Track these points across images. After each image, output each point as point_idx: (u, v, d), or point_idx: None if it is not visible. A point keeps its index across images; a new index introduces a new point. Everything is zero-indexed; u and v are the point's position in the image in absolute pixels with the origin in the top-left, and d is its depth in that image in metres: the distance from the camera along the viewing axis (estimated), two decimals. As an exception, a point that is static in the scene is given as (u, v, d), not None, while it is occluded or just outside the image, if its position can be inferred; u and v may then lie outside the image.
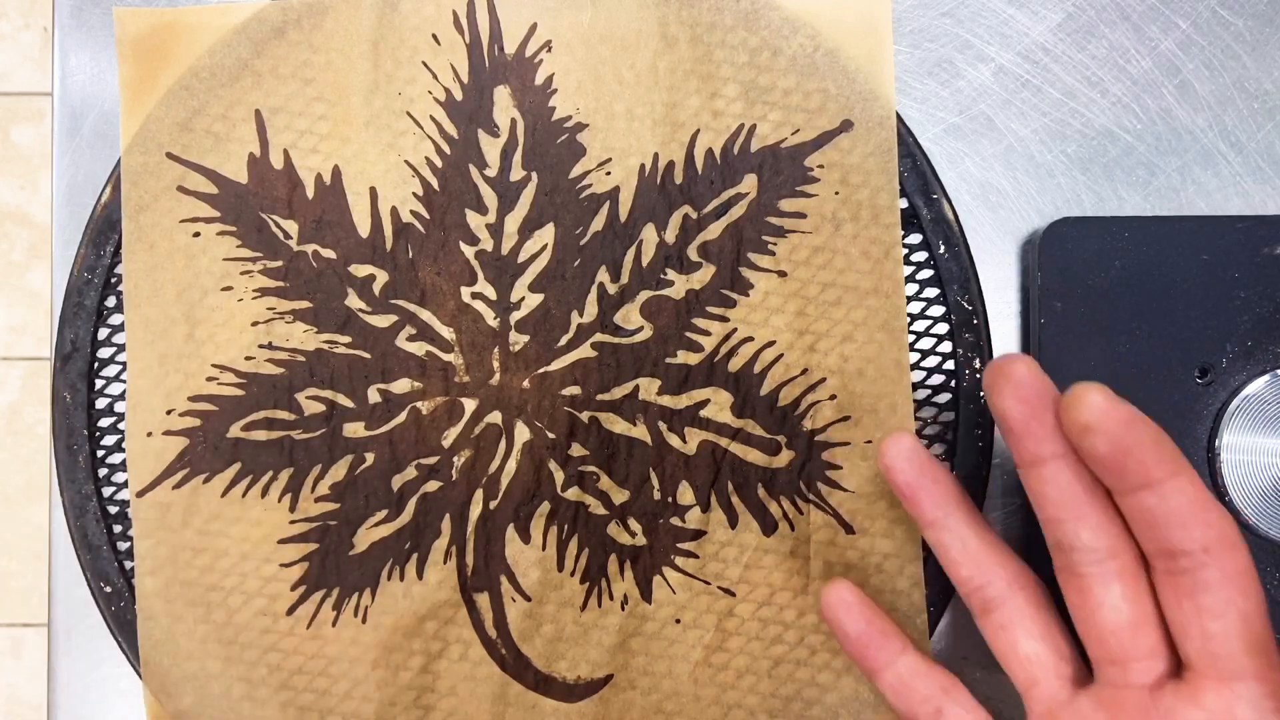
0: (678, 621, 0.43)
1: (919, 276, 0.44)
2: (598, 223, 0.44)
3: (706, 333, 0.43)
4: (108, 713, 0.46)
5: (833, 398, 0.43)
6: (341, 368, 0.44)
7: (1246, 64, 0.45)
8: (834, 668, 0.43)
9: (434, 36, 0.44)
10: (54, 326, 0.44)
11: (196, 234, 0.44)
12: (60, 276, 0.45)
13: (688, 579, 0.43)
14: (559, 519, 0.44)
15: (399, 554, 0.44)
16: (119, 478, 0.44)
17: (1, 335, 1.13)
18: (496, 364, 0.44)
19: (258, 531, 0.44)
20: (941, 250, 0.44)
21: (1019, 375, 0.33)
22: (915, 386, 0.44)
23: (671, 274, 0.44)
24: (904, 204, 0.44)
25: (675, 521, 0.43)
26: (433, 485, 0.44)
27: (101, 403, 0.45)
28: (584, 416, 0.44)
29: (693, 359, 0.43)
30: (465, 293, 0.44)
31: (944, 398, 0.44)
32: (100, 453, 0.44)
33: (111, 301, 0.44)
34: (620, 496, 0.44)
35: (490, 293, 0.44)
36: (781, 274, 0.43)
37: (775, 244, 0.43)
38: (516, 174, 0.44)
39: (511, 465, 0.44)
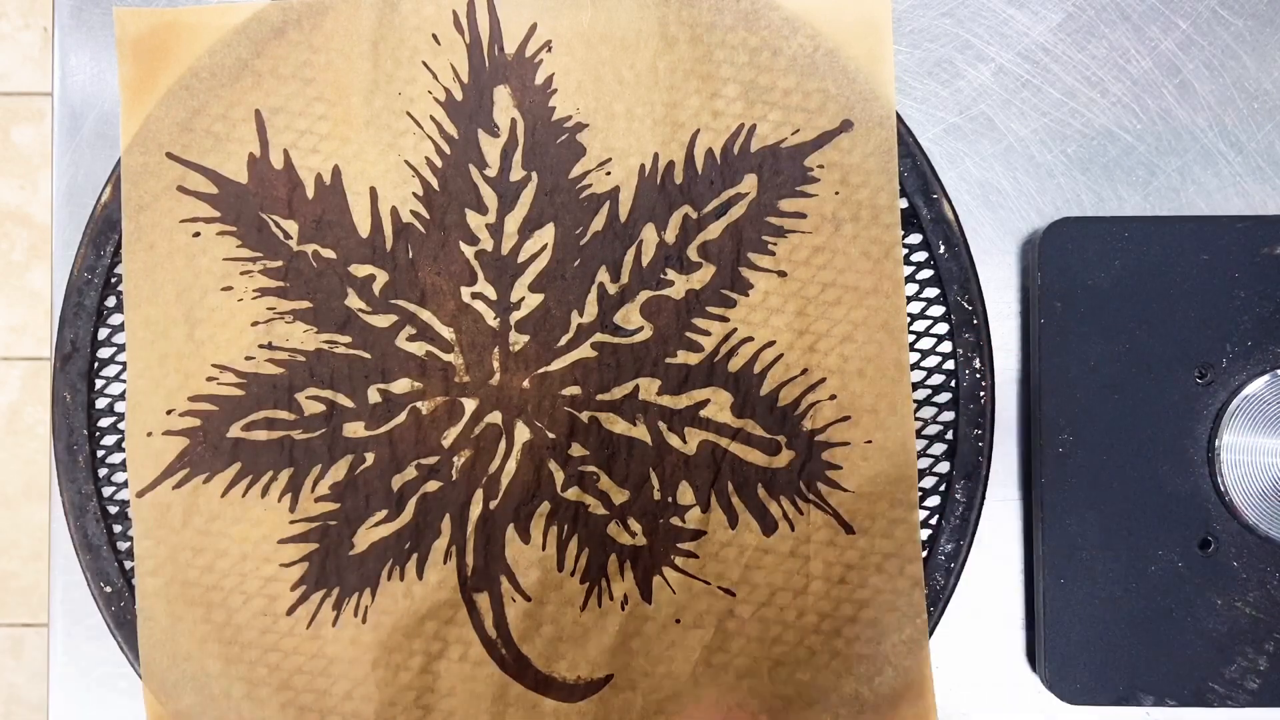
0: (678, 622, 0.43)
1: (919, 276, 0.44)
2: (598, 223, 0.44)
3: (706, 333, 0.43)
4: (108, 713, 0.46)
5: (833, 398, 0.43)
6: (341, 368, 0.44)
7: (1246, 64, 0.45)
8: (834, 668, 0.43)
9: (434, 36, 0.44)
10: (54, 326, 0.44)
11: (196, 234, 0.44)
12: (60, 276, 0.45)
13: (688, 579, 0.43)
14: (559, 519, 0.44)
15: (399, 554, 0.44)
16: (119, 478, 0.44)
17: (1, 335, 1.13)
18: (496, 364, 0.44)
19: (258, 531, 0.44)
20: (941, 250, 0.44)
21: None
22: (915, 386, 0.44)
23: (671, 274, 0.44)
24: (904, 204, 0.44)
25: (675, 521, 0.43)
26: (433, 485, 0.44)
27: (101, 403, 0.45)
28: (584, 416, 0.44)
29: (693, 359, 0.43)
30: (465, 293, 0.44)
31: (944, 398, 0.44)
32: (100, 453, 0.44)
33: (111, 301, 0.44)
34: (620, 496, 0.44)
35: (490, 293, 0.44)
36: (781, 274, 0.43)
37: (775, 244, 0.43)
38: (516, 174, 0.44)
39: (511, 465, 0.44)
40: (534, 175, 0.44)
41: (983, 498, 0.43)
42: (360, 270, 0.44)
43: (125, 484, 0.44)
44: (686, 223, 0.44)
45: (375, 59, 0.44)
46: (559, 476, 0.44)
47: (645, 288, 0.44)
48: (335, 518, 0.44)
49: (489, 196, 0.44)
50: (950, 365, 0.44)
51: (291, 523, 0.44)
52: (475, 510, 0.44)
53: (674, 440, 0.43)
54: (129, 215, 0.44)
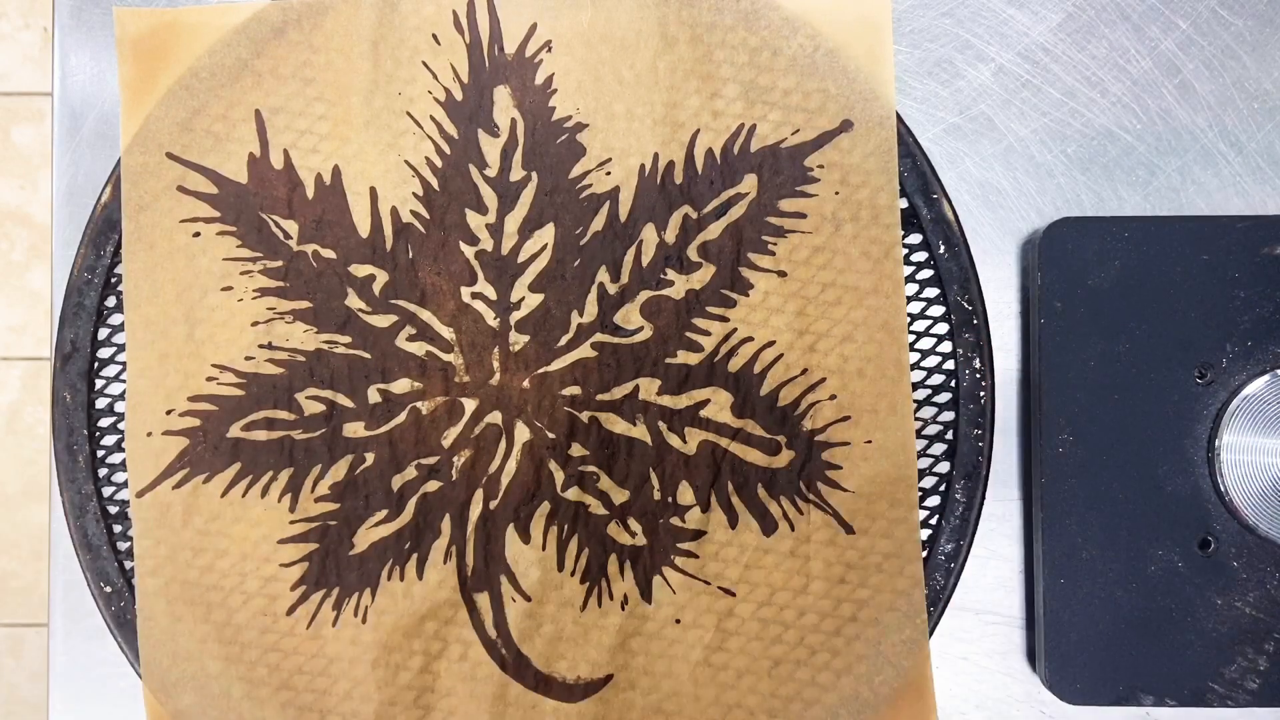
0: (678, 621, 0.43)
1: (919, 276, 0.44)
2: (598, 223, 0.44)
3: (706, 333, 0.43)
4: (108, 713, 0.46)
5: (833, 398, 0.43)
6: (341, 368, 0.44)
7: (1246, 64, 0.45)
8: (834, 668, 0.43)
9: (434, 36, 0.44)
10: (54, 326, 0.44)
11: (196, 234, 0.44)
12: (60, 276, 0.45)
13: (688, 579, 0.43)
14: (559, 519, 0.44)
15: (399, 554, 0.44)
16: (119, 478, 0.44)
17: (1, 335, 1.13)
18: (496, 364, 0.44)
19: (258, 531, 0.44)
20: (941, 250, 0.44)
21: None
22: (915, 386, 0.44)
23: (671, 274, 0.44)
24: (904, 204, 0.44)
25: (675, 521, 0.43)
26: (433, 485, 0.44)
27: (101, 403, 0.45)
28: (584, 416, 0.44)
29: (693, 359, 0.43)
30: (465, 293, 0.44)
31: (944, 398, 0.44)
32: (100, 453, 0.44)
33: (111, 301, 0.44)
34: (620, 496, 0.44)
35: (490, 293, 0.44)
36: (781, 274, 0.43)
37: (775, 244, 0.43)
38: (516, 174, 0.44)
39: (511, 465, 0.44)
40: (534, 175, 0.44)
41: (983, 498, 0.44)
42: (360, 270, 0.44)
43: (125, 484, 0.44)
44: (686, 223, 0.44)
45: (375, 59, 0.44)
46: (559, 476, 0.44)
47: (645, 288, 0.44)
48: (335, 518, 0.44)
49: (489, 196, 0.44)
50: (950, 365, 0.44)
51: (291, 523, 0.44)
52: (475, 510, 0.44)
53: (674, 440, 0.43)
54: (129, 215, 0.44)
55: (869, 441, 0.43)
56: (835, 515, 0.43)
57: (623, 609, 0.43)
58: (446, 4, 0.44)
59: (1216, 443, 0.42)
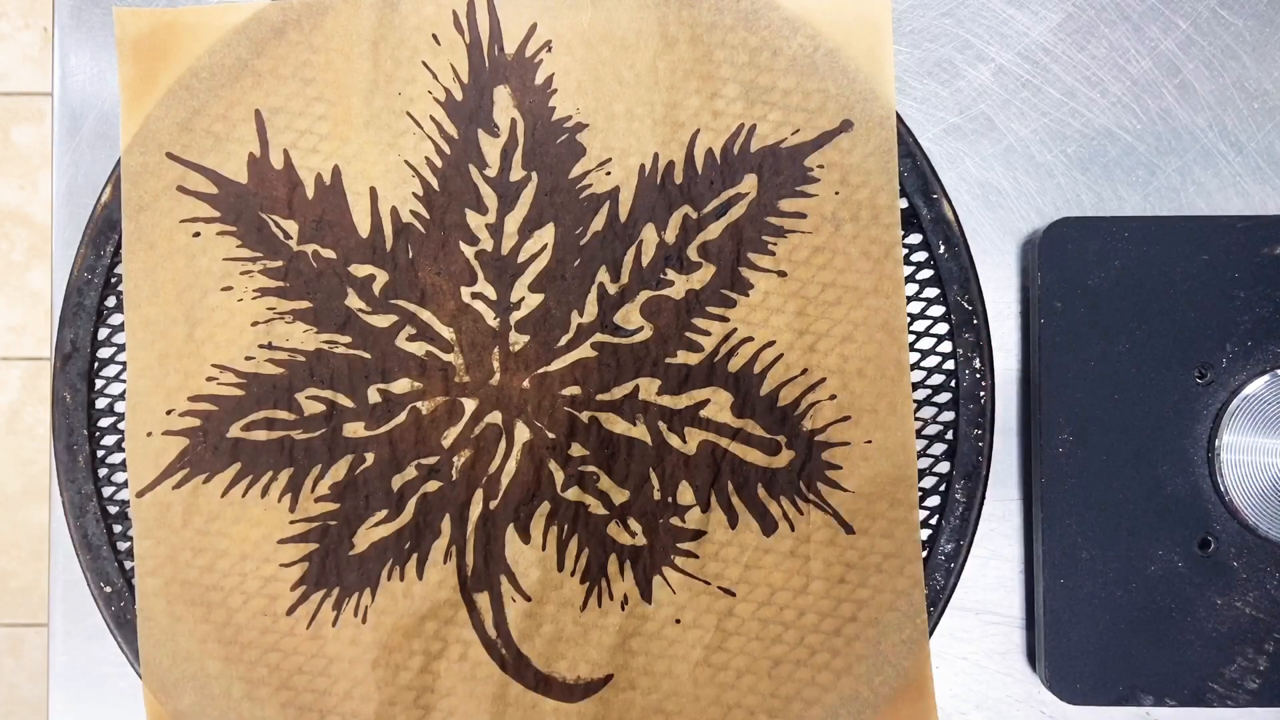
0: (678, 621, 0.43)
1: (919, 276, 0.44)
2: (598, 223, 0.44)
3: (706, 333, 0.43)
4: (108, 713, 0.46)
5: (833, 398, 0.43)
6: (341, 368, 0.44)
7: (1246, 64, 0.45)
8: (834, 668, 0.43)
9: (434, 36, 0.44)
10: (54, 326, 0.44)
11: (196, 234, 0.44)
12: (60, 276, 0.45)
13: (688, 579, 0.43)
14: (559, 519, 0.44)
15: (399, 554, 0.44)
16: (119, 478, 0.44)
17: (1, 335, 1.13)
18: (496, 364, 0.44)
19: (258, 531, 0.44)
20: (941, 250, 0.44)
21: None
22: (915, 386, 0.44)
23: (671, 274, 0.44)
24: (904, 204, 0.44)
25: (675, 521, 0.43)
26: (433, 485, 0.44)
27: (101, 403, 0.45)
28: (584, 416, 0.44)
29: (693, 359, 0.43)
30: (465, 293, 0.44)
31: (944, 398, 0.44)
32: (100, 453, 0.44)
33: (111, 301, 0.44)
34: (620, 496, 0.44)
35: (490, 293, 0.44)
36: (781, 274, 0.43)
37: (775, 244, 0.43)
38: (516, 174, 0.44)
39: (511, 465, 0.44)
40: (534, 175, 0.44)
41: (983, 498, 0.44)
42: (360, 270, 0.44)
43: (125, 484, 0.44)
44: (686, 223, 0.44)
45: (375, 59, 0.44)
46: (559, 476, 0.44)
47: (645, 288, 0.44)
48: (335, 518, 0.44)
49: (489, 196, 0.44)
50: (950, 365, 0.44)
51: (291, 523, 0.44)
52: (475, 510, 0.44)
53: (674, 440, 0.43)
54: (129, 215, 0.44)
55: (869, 441, 0.43)
56: (835, 515, 0.43)
57: (623, 609, 0.43)
58: (446, 4, 0.44)
59: (1216, 443, 0.42)
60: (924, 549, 0.44)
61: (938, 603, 0.43)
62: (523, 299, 0.44)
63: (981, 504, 0.44)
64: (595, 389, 0.44)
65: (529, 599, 0.44)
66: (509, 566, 0.44)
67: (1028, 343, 0.45)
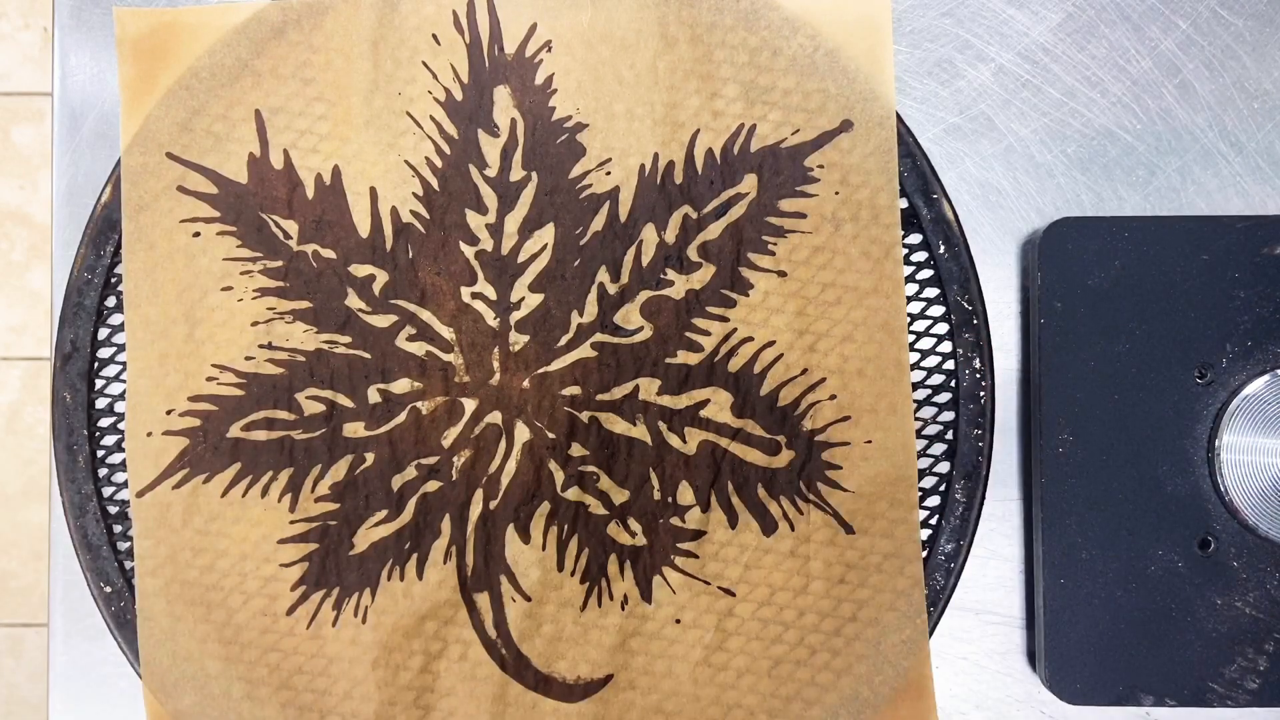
0: (678, 621, 0.43)
1: (919, 276, 0.44)
2: (598, 223, 0.44)
3: (706, 333, 0.43)
4: (108, 713, 0.46)
5: (833, 398, 0.43)
6: (341, 368, 0.44)
7: (1246, 64, 0.45)
8: (834, 668, 0.43)
9: (434, 36, 0.44)
10: (54, 326, 0.44)
11: (196, 234, 0.44)
12: (60, 276, 0.45)
13: (688, 579, 0.43)
14: (559, 519, 0.44)
15: (399, 554, 0.44)
16: (119, 478, 0.44)
17: (1, 335, 1.13)
18: (496, 364, 0.44)
19: (258, 531, 0.44)
20: (941, 250, 0.44)
21: None
22: (915, 386, 0.44)
23: (671, 274, 0.44)
24: (904, 204, 0.44)
25: (675, 521, 0.43)
26: (433, 485, 0.44)
27: (101, 403, 0.45)
28: (584, 416, 0.44)
29: (693, 359, 0.43)
30: (465, 293, 0.44)
31: (944, 398, 0.44)
32: (100, 453, 0.44)
33: (111, 301, 0.44)
34: (620, 496, 0.44)
35: (490, 293, 0.44)
36: (781, 274, 0.43)
37: (775, 244, 0.43)
38: (516, 174, 0.44)
39: (511, 465, 0.44)
40: (534, 175, 0.44)
41: (983, 498, 0.44)
42: (360, 270, 0.44)
43: (125, 484, 0.44)
44: (686, 223, 0.44)
45: (375, 59, 0.44)
46: (559, 476, 0.44)
47: (645, 288, 0.44)
48: (335, 518, 0.44)
49: (489, 196, 0.44)
50: (950, 365, 0.44)
51: (291, 523, 0.44)
52: (475, 510, 0.44)
53: (674, 440, 0.43)
54: (129, 215, 0.44)
55: (869, 441, 0.43)
56: (835, 515, 0.43)
57: (623, 609, 0.43)
58: (446, 4, 0.44)
59: (1216, 443, 0.42)
60: (924, 549, 0.44)
61: (938, 603, 0.43)
62: (523, 299, 0.44)
63: (981, 504, 0.44)
64: (595, 389, 0.44)
65: (529, 599, 0.44)
66: (509, 566, 0.44)
67: (1028, 343, 0.45)
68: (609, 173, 0.44)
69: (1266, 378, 0.42)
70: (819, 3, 0.43)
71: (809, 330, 0.43)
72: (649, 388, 0.44)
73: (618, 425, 0.43)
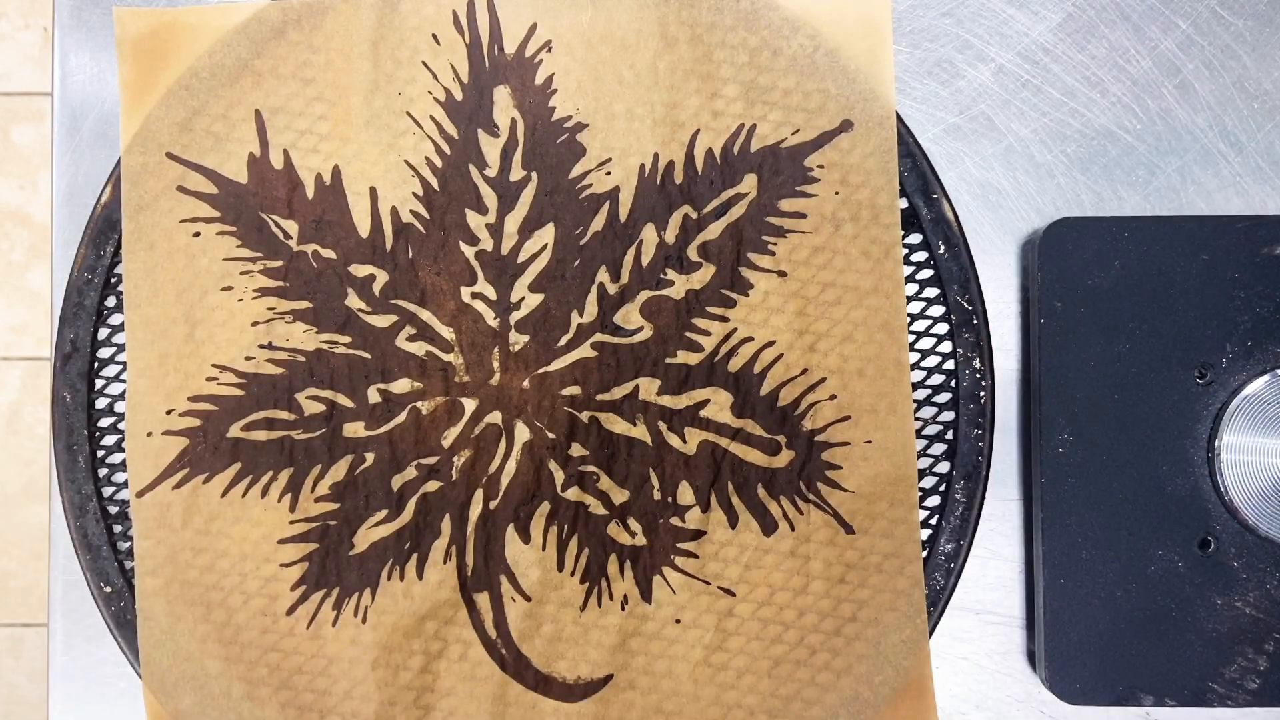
0: (678, 621, 0.43)
1: (919, 276, 0.44)
2: (598, 223, 0.44)
3: (706, 333, 0.43)
4: (108, 713, 0.46)
5: (833, 398, 0.43)
6: (341, 368, 0.44)
7: (1246, 64, 0.45)
8: (834, 668, 0.43)
9: (434, 36, 0.44)
10: (54, 326, 0.44)
11: (196, 234, 0.44)
12: (60, 276, 0.45)
13: (688, 579, 0.43)
14: (559, 519, 0.44)
15: (399, 554, 0.44)
16: (119, 478, 0.44)
17: (1, 335, 1.13)
18: (496, 364, 0.44)
19: (258, 531, 0.44)
20: (941, 250, 0.44)
21: None
22: (915, 386, 0.44)
23: (671, 274, 0.44)
24: (904, 204, 0.44)
25: (675, 521, 0.43)
26: (433, 485, 0.44)
27: (101, 403, 0.45)
28: (584, 416, 0.44)
29: (693, 359, 0.43)
30: (465, 293, 0.44)
31: (944, 398, 0.44)
32: (100, 453, 0.44)
33: (111, 301, 0.44)
34: (620, 496, 0.44)
35: (490, 293, 0.44)
36: (781, 274, 0.43)
37: (775, 244, 0.43)
38: (516, 174, 0.44)
39: (511, 465, 0.44)
40: (534, 175, 0.44)
41: (983, 498, 0.44)
42: (360, 270, 0.44)
43: (125, 484, 0.44)
44: (686, 223, 0.44)
45: (375, 59, 0.44)
46: (559, 476, 0.44)
47: (645, 288, 0.44)
48: (335, 518, 0.44)
49: (489, 196, 0.44)
50: (950, 365, 0.44)
51: (291, 523, 0.44)
52: (475, 510, 0.44)
53: (674, 440, 0.43)
54: (129, 215, 0.44)
55: (869, 441, 0.43)
56: (835, 515, 0.43)
57: (623, 609, 0.43)
58: (446, 4, 0.44)
59: (1216, 443, 0.42)
60: (924, 549, 0.44)
61: (938, 603, 0.43)
62: (523, 299, 0.44)
63: (981, 504, 0.44)
64: (595, 389, 0.44)
65: (529, 599, 0.44)
66: (509, 566, 0.44)
67: (1028, 343, 0.45)
68: (609, 173, 0.44)
69: (1266, 378, 0.42)
70: (819, 3, 0.43)
71: (809, 330, 0.43)
72: (649, 388, 0.44)
73: (618, 425, 0.43)
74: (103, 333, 0.45)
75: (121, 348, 0.44)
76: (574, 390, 0.44)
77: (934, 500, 0.44)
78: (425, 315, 0.44)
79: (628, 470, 0.43)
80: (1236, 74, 0.45)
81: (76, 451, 0.44)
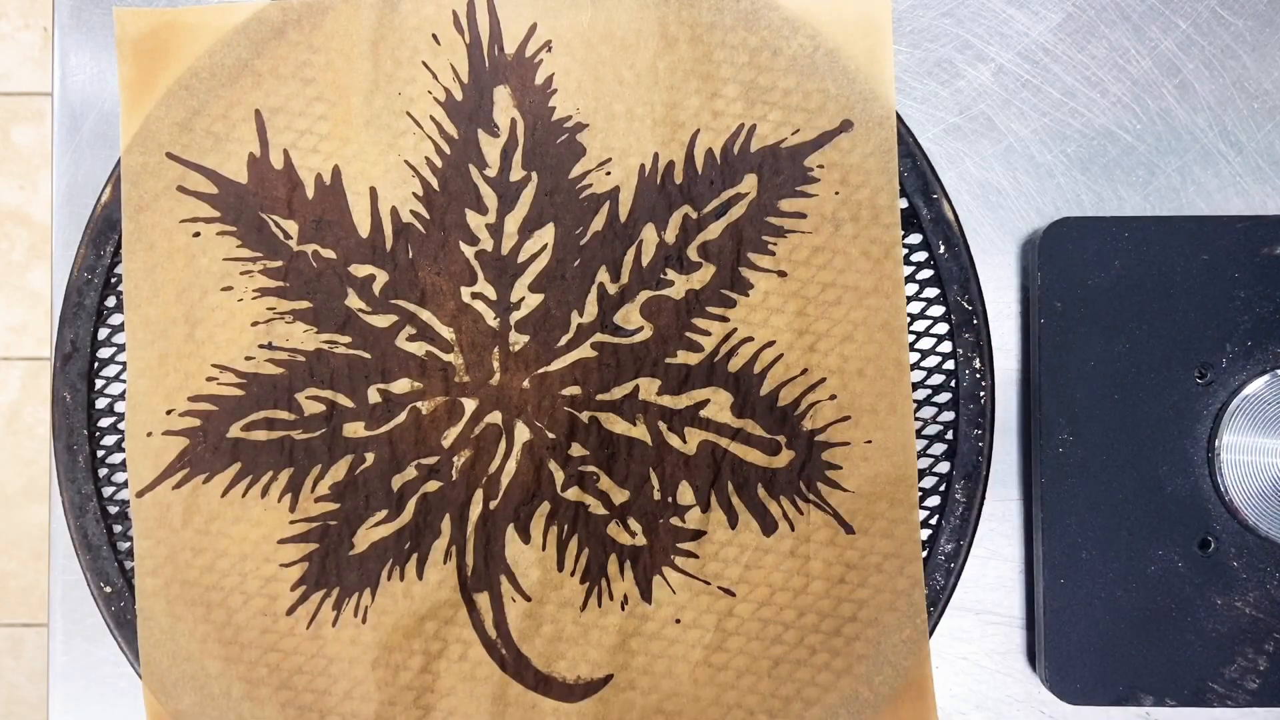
0: (678, 621, 0.43)
1: (919, 276, 0.44)
2: (598, 223, 0.44)
3: (706, 333, 0.43)
4: (108, 713, 0.46)
5: (833, 398, 0.43)
6: (341, 368, 0.44)
7: (1246, 64, 0.45)
8: (834, 668, 0.43)
9: (434, 36, 0.44)
10: (54, 326, 0.44)
11: (196, 234, 0.44)
12: (60, 276, 0.45)
13: (688, 579, 0.43)
14: (559, 519, 0.44)
15: (399, 554, 0.44)
16: (119, 478, 0.44)
17: (1, 335, 1.13)
18: (496, 364, 0.44)
19: (258, 531, 0.44)
20: (941, 250, 0.44)
21: None
22: (915, 386, 0.44)
23: (671, 274, 0.44)
24: (904, 204, 0.44)
25: (675, 521, 0.43)
26: (433, 485, 0.44)
27: (101, 403, 0.45)
28: (584, 416, 0.44)
29: (693, 359, 0.43)
30: (465, 293, 0.44)
31: (944, 398, 0.44)
32: (100, 453, 0.44)
33: (111, 301, 0.44)
34: (620, 496, 0.44)
35: (490, 293, 0.44)
36: (781, 274, 0.43)
37: (775, 244, 0.43)
38: (516, 174, 0.44)
39: (511, 465, 0.44)
40: (534, 175, 0.44)
41: (983, 498, 0.44)
42: (360, 270, 0.44)
43: (125, 484, 0.44)
44: (686, 223, 0.44)
45: (375, 59, 0.44)
46: (559, 476, 0.44)
47: (645, 288, 0.44)
48: (335, 518, 0.44)
49: (489, 196, 0.44)
50: (950, 365, 0.44)
51: (291, 523, 0.44)
52: (475, 510, 0.44)
53: (674, 440, 0.43)
54: (129, 215, 0.44)
55: (869, 441, 0.43)
56: (835, 515, 0.43)
57: (623, 609, 0.43)
58: (446, 4, 0.44)
59: (1216, 443, 0.42)
60: (924, 549, 0.44)
61: (938, 603, 0.43)
62: (523, 299, 0.44)
63: (981, 504, 0.44)
64: (595, 389, 0.44)
65: (529, 599, 0.44)
66: (509, 566, 0.44)
67: (1028, 343, 0.45)
68: (609, 173, 0.44)
69: (1266, 378, 0.42)
70: (819, 3, 0.43)
71: (809, 330, 0.43)
72: (649, 388, 0.44)
73: (618, 425, 0.43)
74: (103, 333, 0.45)
75: (121, 348, 0.45)
76: (574, 390, 0.44)
77: (934, 500, 0.44)
78: (425, 315, 0.44)
79: (628, 470, 0.43)
80: (1236, 74, 0.45)
81: (76, 451, 0.44)
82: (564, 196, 0.44)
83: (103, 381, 0.45)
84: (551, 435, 0.44)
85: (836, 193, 0.43)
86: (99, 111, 0.46)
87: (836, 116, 0.43)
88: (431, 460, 0.44)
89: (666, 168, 0.43)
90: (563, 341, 0.44)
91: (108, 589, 0.44)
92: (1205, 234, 0.42)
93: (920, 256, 0.44)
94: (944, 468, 0.44)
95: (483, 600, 0.44)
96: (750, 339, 0.43)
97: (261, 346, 0.44)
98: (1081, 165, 0.45)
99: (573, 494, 0.44)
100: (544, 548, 0.44)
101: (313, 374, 0.44)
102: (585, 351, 0.44)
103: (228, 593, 0.44)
